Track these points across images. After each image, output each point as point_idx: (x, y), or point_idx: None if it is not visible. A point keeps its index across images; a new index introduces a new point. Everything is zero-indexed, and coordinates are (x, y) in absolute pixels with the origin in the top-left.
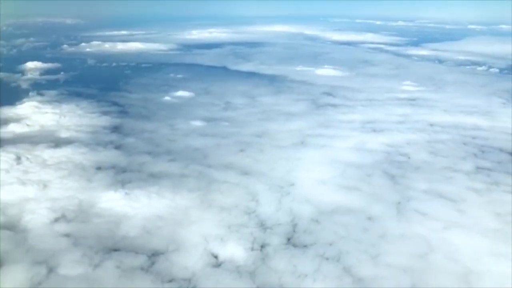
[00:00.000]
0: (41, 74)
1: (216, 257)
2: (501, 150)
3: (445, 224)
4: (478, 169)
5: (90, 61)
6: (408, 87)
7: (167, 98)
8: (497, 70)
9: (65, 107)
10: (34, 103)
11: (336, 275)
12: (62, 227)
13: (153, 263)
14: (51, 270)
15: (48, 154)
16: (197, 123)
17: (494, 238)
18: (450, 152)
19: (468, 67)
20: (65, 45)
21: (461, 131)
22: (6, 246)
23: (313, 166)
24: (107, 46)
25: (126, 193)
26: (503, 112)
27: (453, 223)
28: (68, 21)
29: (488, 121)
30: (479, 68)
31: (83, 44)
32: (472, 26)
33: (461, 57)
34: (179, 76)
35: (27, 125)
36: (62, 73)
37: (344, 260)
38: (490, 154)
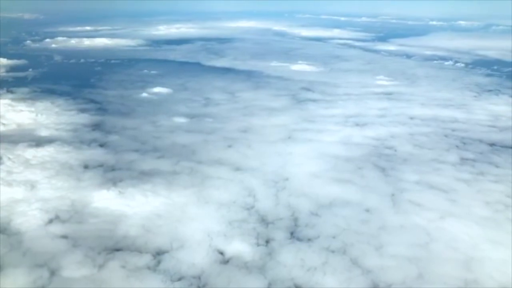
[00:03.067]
0: (7, 71)
1: (222, 253)
2: (480, 141)
3: (440, 214)
4: (463, 160)
5: (57, 58)
6: (383, 82)
7: (144, 94)
8: (463, 65)
9: (40, 104)
10: (6, 101)
11: (344, 267)
12: (57, 229)
13: (159, 262)
14: (53, 273)
15: (31, 153)
16: (180, 120)
17: (487, 226)
18: (433, 144)
19: (435, 61)
20: (28, 41)
21: (440, 124)
22: (1, 250)
23: (304, 160)
24: (73, 42)
25: (120, 192)
26: (477, 105)
27: (447, 212)
28: (26, 16)
29: (464, 113)
30: (446, 63)
31: (47, 40)
32: (433, 22)
33: (428, 52)
34: (153, 72)
35: (3, 124)
36: (30, 69)
37: (350, 252)
38: (471, 146)
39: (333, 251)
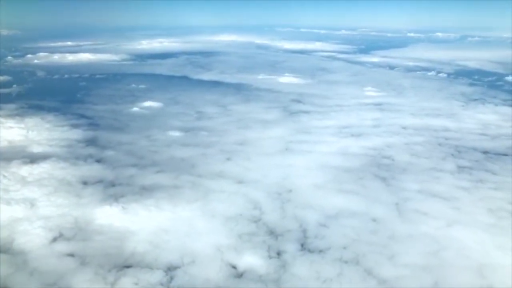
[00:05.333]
0: None
1: (234, 267)
2: (474, 149)
3: (446, 222)
4: (460, 168)
5: (40, 73)
6: (371, 93)
7: (135, 109)
8: (445, 75)
9: (30, 121)
10: None
11: (360, 278)
12: (63, 247)
13: (172, 278)
14: None
15: (26, 170)
16: (175, 133)
17: (494, 233)
18: (429, 153)
19: (418, 72)
20: (9, 57)
21: (433, 133)
22: (6, 271)
23: (304, 171)
24: (56, 57)
25: (123, 208)
26: (465, 114)
27: (453, 220)
28: (4, 32)
29: (455, 122)
30: (429, 73)
31: (29, 55)
32: (411, 34)
33: (410, 63)
34: (141, 86)
35: None
36: (14, 86)
37: (363, 263)
38: (466, 154)
39: (346, 262)
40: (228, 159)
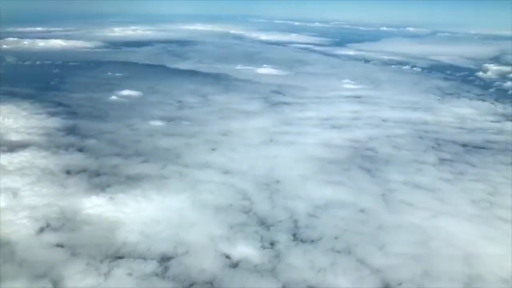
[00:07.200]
0: None
1: (228, 257)
2: (453, 142)
3: (432, 212)
4: (441, 160)
5: (10, 59)
6: (349, 85)
7: (114, 97)
8: (419, 69)
9: (4, 108)
10: None
11: (353, 267)
12: (51, 237)
13: (166, 268)
14: (56, 283)
15: (5, 159)
16: (157, 123)
17: (479, 223)
18: (410, 145)
19: (393, 66)
20: None
21: (412, 126)
22: None
23: (290, 163)
24: (26, 43)
25: (111, 198)
26: (442, 108)
27: (438, 211)
28: None
29: (433, 116)
30: (404, 67)
31: None
32: (384, 28)
33: (385, 57)
34: (118, 74)
35: None
36: None
37: (355, 252)
38: (446, 147)
39: (338, 252)
40: (213, 149)
